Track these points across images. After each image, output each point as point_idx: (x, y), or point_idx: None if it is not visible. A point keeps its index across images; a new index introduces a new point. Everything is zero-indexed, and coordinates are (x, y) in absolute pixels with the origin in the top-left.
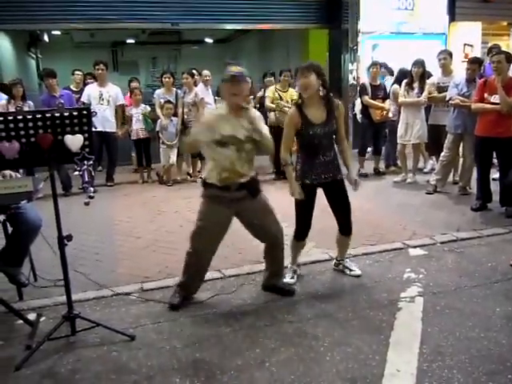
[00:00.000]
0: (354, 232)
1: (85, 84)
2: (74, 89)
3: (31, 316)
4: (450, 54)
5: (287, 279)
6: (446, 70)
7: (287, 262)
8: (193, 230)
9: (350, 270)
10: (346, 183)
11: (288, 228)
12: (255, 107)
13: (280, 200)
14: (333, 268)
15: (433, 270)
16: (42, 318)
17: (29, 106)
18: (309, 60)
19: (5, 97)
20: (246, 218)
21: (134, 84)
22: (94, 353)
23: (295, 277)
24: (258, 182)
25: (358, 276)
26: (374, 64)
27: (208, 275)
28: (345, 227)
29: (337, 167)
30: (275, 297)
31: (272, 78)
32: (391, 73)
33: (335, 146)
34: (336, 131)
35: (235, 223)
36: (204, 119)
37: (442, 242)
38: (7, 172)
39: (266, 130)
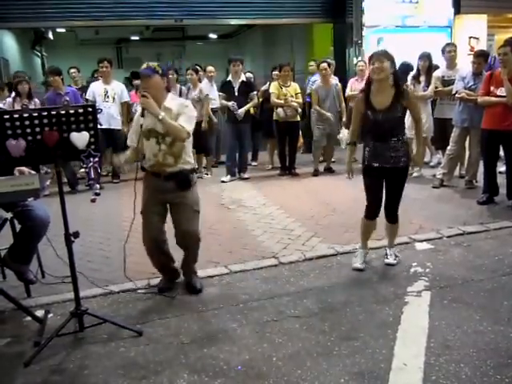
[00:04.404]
0: (359, 226)
1: (94, 79)
2: (75, 86)
3: (39, 313)
4: (456, 47)
5: (357, 264)
6: (453, 63)
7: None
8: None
9: (386, 258)
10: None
11: (294, 223)
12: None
13: (284, 195)
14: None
15: (439, 264)
16: (50, 315)
17: (34, 103)
18: (313, 54)
19: None
20: (173, 210)
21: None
22: (102, 349)
23: (363, 262)
24: (187, 175)
25: (389, 265)
26: None
27: (214, 270)
28: (389, 215)
29: (402, 154)
30: (282, 292)
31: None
32: None
33: (405, 132)
34: (402, 118)
35: (242, 221)
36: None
37: (448, 236)
38: (25, 169)
39: (182, 119)
